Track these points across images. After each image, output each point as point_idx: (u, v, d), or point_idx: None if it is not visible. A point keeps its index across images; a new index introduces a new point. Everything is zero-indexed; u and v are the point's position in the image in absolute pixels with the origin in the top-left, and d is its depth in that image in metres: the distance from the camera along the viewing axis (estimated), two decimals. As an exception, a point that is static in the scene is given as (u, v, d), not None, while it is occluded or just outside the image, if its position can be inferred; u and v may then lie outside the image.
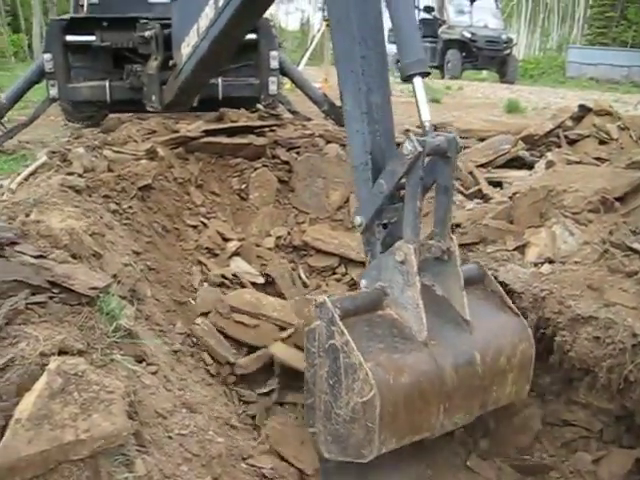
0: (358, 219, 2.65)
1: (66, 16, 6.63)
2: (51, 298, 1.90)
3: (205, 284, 3.28)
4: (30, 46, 31.51)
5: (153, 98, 5.38)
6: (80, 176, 3.22)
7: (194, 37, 4.56)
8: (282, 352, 2.96)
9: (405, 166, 2.34)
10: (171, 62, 5.15)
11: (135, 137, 4.15)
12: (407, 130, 5.48)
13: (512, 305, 2.71)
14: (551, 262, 3.10)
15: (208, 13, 4.26)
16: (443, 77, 22.26)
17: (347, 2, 2.61)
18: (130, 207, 3.21)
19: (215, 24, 4.18)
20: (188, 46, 4.70)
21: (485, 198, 3.95)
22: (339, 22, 2.68)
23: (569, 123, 5.24)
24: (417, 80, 2.45)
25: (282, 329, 3.06)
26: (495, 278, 3.10)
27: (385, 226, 2.63)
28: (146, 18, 5.57)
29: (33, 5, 32.74)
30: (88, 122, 7.69)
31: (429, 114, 2.42)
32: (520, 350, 2.63)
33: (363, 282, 2.64)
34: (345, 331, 2.33)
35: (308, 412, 2.59)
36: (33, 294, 1.87)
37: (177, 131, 4.29)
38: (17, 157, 5.99)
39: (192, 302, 3.09)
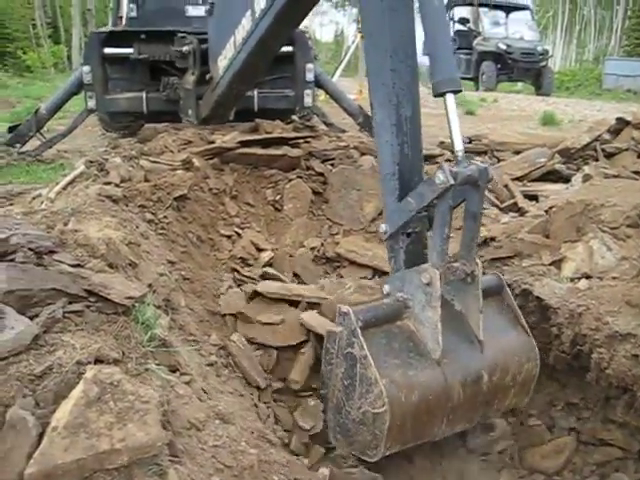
0: (383, 227, 2.75)
1: (105, 29, 6.76)
2: (88, 307, 1.93)
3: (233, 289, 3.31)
4: (69, 57, 32.17)
5: (190, 112, 5.45)
6: (117, 186, 3.26)
7: (231, 50, 4.62)
8: (312, 319, 3.06)
9: (435, 193, 2.42)
10: (208, 76, 5.21)
11: (171, 147, 4.19)
12: (442, 142, 5.47)
13: (524, 323, 2.80)
14: (588, 277, 3.06)
15: (245, 25, 4.31)
16: (478, 89, 22.13)
17: (381, 15, 2.65)
18: (165, 217, 3.24)
19: (252, 35, 4.23)
20: (225, 59, 4.76)
21: (521, 212, 3.91)
22: (372, 35, 2.73)
23: (606, 136, 5.18)
24: (449, 97, 2.49)
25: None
26: (530, 293, 3.08)
27: (409, 235, 2.71)
28: (184, 32, 5.64)
29: (73, 17, 33.46)
30: (125, 132, 7.82)
31: (461, 142, 2.50)
32: (525, 369, 2.74)
33: (386, 288, 2.74)
34: (365, 345, 2.46)
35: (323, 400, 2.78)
36: (70, 302, 1.90)
37: (213, 142, 4.33)
38: (55, 166, 6.10)
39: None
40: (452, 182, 2.34)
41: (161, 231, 3.16)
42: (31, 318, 1.76)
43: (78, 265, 2.09)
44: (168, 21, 6.18)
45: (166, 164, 3.73)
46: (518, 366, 2.72)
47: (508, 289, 2.86)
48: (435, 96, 2.51)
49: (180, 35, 5.63)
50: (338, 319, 2.62)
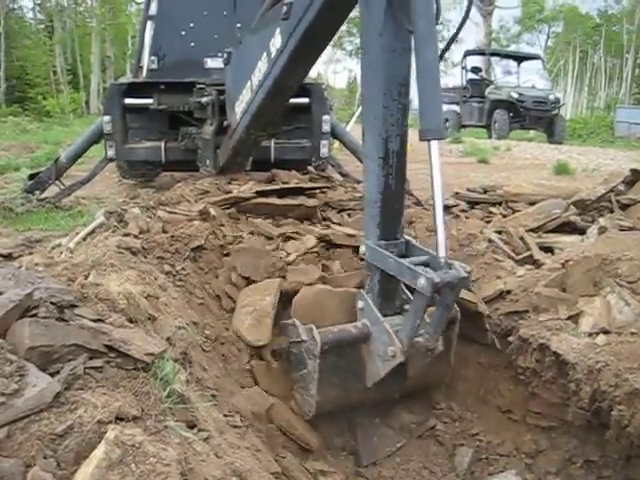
0: (362, 249, 3.17)
1: (125, 80, 6.90)
2: (108, 362, 1.93)
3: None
4: (87, 102, 32.81)
5: (207, 162, 5.53)
6: (136, 237, 3.29)
7: (248, 94, 4.72)
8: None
9: (412, 285, 2.71)
10: (225, 123, 5.29)
11: (188, 197, 4.24)
12: (457, 193, 5.49)
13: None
14: (606, 333, 3.03)
15: (261, 67, 4.43)
16: (490, 137, 22.29)
17: (379, 53, 2.82)
18: (183, 268, 3.26)
19: (268, 76, 4.35)
20: (242, 103, 4.85)
21: (536, 264, 3.90)
22: (370, 67, 2.91)
23: (621, 187, 5.18)
24: (434, 144, 2.64)
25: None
26: (548, 347, 3.06)
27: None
28: (202, 83, 5.76)
29: (92, 64, 34.24)
30: (142, 179, 7.93)
31: (444, 249, 2.69)
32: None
33: (360, 304, 3.09)
34: (317, 367, 2.95)
35: None
36: (91, 358, 1.90)
37: (229, 192, 4.38)
38: (74, 213, 6.18)
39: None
40: (429, 295, 2.61)
41: (179, 282, 3.17)
42: (52, 374, 1.77)
43: (99, 320, 2.10)
44: (187, 72, 6.32)
45: (183, 214, 3.77)
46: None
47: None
48: (420, 140, 2.66)
49: (199, 86, 5.75)
50: (304, 331, 3.02)
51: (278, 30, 4.08)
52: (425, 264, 2.81)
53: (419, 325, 2.77)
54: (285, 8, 3.90)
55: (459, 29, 3.07)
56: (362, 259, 3.53)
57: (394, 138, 2.90)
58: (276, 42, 4.14)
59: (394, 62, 2.81)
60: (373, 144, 2.93)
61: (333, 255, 3.85)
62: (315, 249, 3.81)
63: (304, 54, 4.09)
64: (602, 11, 51.23)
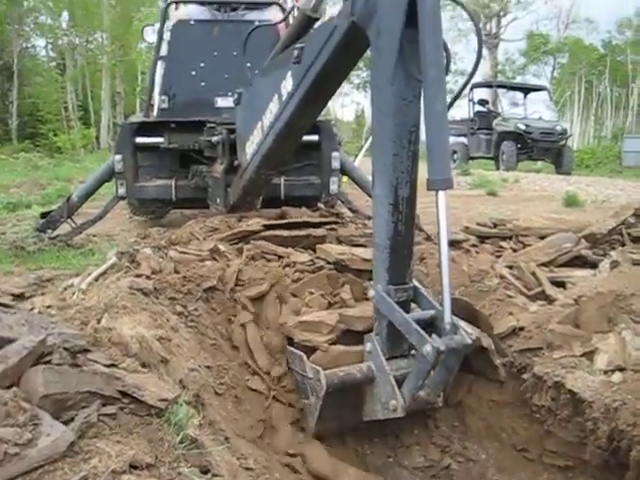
0: (372, 292, 3.08)
1: (136, 119, 6.97)
2: (121, 409, 1.93)
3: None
4: (98, 138, 33.20)
5: (218, 201, 5.56)
6: (148, 278, 3.30)
7: (258, 135, 4.75)
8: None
9: (417, 345, 2.74)
10: (236, 162, 5.33)
11: (198, 235, 4.26)
12: (467, 227, 5.49)
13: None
14: (622, 370, 3.00)
15: (272, 109, 4.45)
16: (498, 168, 22.34)
17: (389, 100, 2.83)
18: (195, 309, 3.26)
19: (279, 118, 4.37)
20: (252, 144, 4.88)
21: (549, 299, 3.88)
22: (380, 113, 2.92)
23: (632, 220, 5.16)
24: (441, 195, 2.66)
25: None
26: (563, 385, 3.03)
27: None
28: (212, 122, 5.81)
29: (103, 100, 34.71)
30: (152, 216, 7.98)
31: (450, 314, 2.68)
32: None
33: (367, 346, 3.10)
34: (319, 406, 3.04)
35: None
36: (104, 405, 1.90)
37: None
38: (85, 251, 6.21)
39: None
40: (432, 362, 2.64)
41: (191, 323, 3.17)
42: (66, 422, 1.76)
43: (112, 365, 2.10)
44: (198, 112, 6.38)
45: (194, 254, 3.78)
46: None
47: None
48: (428, 190, 2.68)
49: (209, 125, 5.80)
50: (310, 370, 3.11)
51: (289, 73, 4.11)
52: (431, 320, 2.88)
53: (422, 386, 2.78)
54: (296, 52, 3.93)
55: (470, 78, 3.09)
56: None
57: (404, 185, 2.90)
58: (287, 85, 4.16)
59: (404, 110, 2.81)
60: (383, 190, 2.93)
61: (345, 279, 3.81)
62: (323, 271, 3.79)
63: (315, 97, 4.11)
64: (606, 42, 51.74)
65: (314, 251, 4.23)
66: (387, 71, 2.80)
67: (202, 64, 6.64)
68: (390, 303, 2.91)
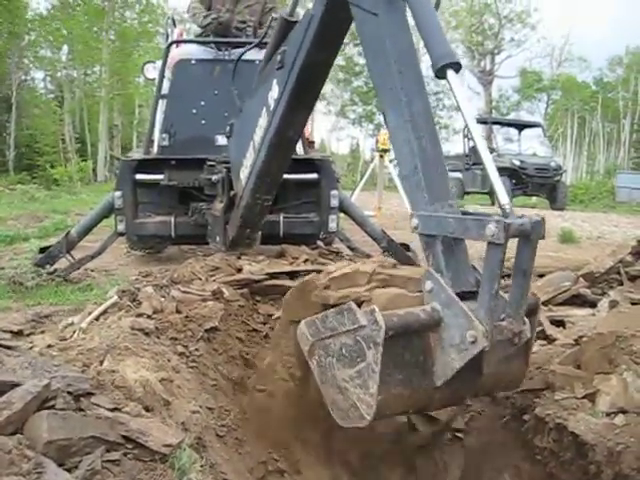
0: (415, 221, 2.67)
1: (136, 156, 7.01)
2: (125, 455, 1.91)
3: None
4: (95, 170, 33.31)
5: (217, 239, 5.57)
6: (149, 317, 3.29)
7: (251, 157, 4.74)
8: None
9: (481, 239, 2.35)
10: (232, 193, 5.35)
11: (199, 274, 4.25)
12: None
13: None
14: (624, 412, 2.99)
15: (261, 124, 4.47)
16: (493, 204, 22.44)
17: (379, 27, 2.90)
18: (197, 349, 3.25)
19: (269, 130, 4.37)
20: (246, 168, 4.87)
21: (549, 339, 3.88)
22: (372, 41, 2.97)
23: (629, 258, 5.19)
24: (450, 73, 2.55)
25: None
26: (565, 428, 3.02)
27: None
28: (212, 160, 5.85)
29: (100, 133, 34.93)
30: (150, 251, 7.98)
31: (506, 195, 2.41)
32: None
33: (427, 285, 2.56)
34: (379, 358, 2.37)
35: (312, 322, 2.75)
36: (108, 451, 1.89)
37: (240, 268, 4.39)
38: (83, 286, 6.18)
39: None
40: (503, 241, 2.25)
41: (192, 364, 3.15)
42: (70, 470, 1.75)
43: (116, 409, 2.09)
44: (198, 149, 6.43)
45: (196, 294, 3.78)
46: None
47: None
48: (436, 76, 2.60)
49: (209, 164, 5.84)
50: (363, 315, 2.46)
51: (275, 81, 4.15)
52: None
53: (497, 292, 2.36)
54: (279, 57, 4.01)
55: None
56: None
57: (416, 101, 2.79)
58: (274, 94, 4.19)
59: (396, 31, 2.87)
60: (396, 113, 2.81)
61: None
62: None
63: (301, 98, 4.12)
64: (598, 79, 52.56)
65: None
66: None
67: (203, 103, 6.71)
68: (437, 215, 2.58)
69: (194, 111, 6.70)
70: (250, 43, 5.76)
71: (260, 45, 5.13)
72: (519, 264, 2.41)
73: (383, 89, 2.91)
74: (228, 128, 5.27)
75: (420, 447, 3.53)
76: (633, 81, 45.80)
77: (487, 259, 2.35)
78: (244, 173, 4.92)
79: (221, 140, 6.45)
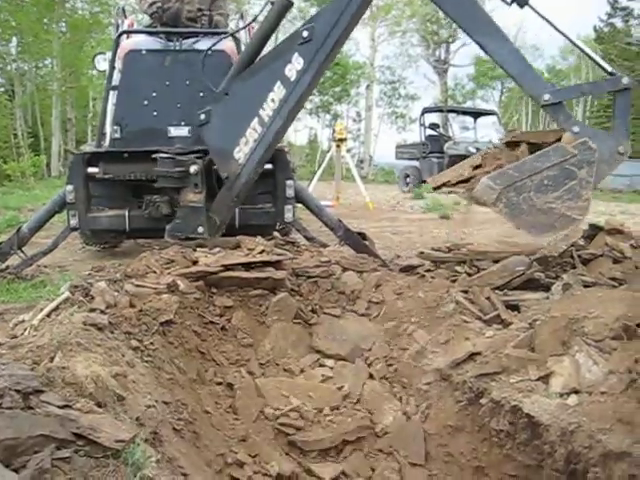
0: (547, 96, 4.37)
1: (88, 149, 6.90)
2: (76, 452, 1.87)
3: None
4: (48, 165, 32.62)
5: (200, 229, 5.52)
6: (102, 312, 3.24)
7: (256, 132, 5.22)
8: None
9: (615, 88, 4.34)
10: (224, 175, 5.39)
11: (154, 268, 4.20)
12: (421, 252, 5.54)
13: None
14: (577, 392, 3.04)
15: (274, 97, 5.11)
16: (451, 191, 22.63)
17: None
18: (152, 343, 3.21)
19: (290, 97, 5.10)
20: (247, 145, 5.25)
21: (504, 323, 3.93)
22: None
23: (581, 242, 5.27)
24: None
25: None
26: (520, 409, 3.06)
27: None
28: (166, 152, 5.78)
29: (53, 127, 34.19)
30: (105, 246, 7.87)
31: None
32: None
33: (575, 128, 4.31)
34: (593, 172, 4.05)
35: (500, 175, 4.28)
36: (58, 448, 1.85)
37: (196, 261, 4.34)
38: (36, 283, 6.08)
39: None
40: (631, 87, 4.09)
41: (147, 358, 3.11)
42: (17, 470, 1.70)
43: (66, 406, 2.05)
44: (150, 142, 6.34)
45: (151, 287, 3.73)
46: None
47: None
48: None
49: (162, 156, 5.74)
50: (576, 146, 4.07)
51: (296, 55, 4.94)
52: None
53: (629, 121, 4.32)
54: (306, 32, 4.88)
55: None
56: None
57: (495, 25, 4.63)
58: (297, 65, 4.97)
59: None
60: (495, 41, 4.52)
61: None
62: None
63: (326, 66, 5.17)
64: (551, 67, 53.31)
65: (274, 293, 4.24)
66: None
67: (154, 94, 6.62)
68: (568, 87, 4.14)
69: (145, 102, 6.61)
70: (199, 33, 5.82)
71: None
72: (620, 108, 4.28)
73: (479, 28, 4.57)
74: (203, 116, 5.32)
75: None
76: (584, 69, 46.52)
77: (620, 104, 4.21)
78: (243, 152, 5.28)
79: (174, 131, 6.40)
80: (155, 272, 4.12)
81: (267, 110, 5.13)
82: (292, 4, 5.24)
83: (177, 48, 6.65)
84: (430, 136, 25.46)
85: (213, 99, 5.39)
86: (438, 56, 45.24)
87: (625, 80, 4.10)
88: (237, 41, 6.73)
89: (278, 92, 5.06)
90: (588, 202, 4.06)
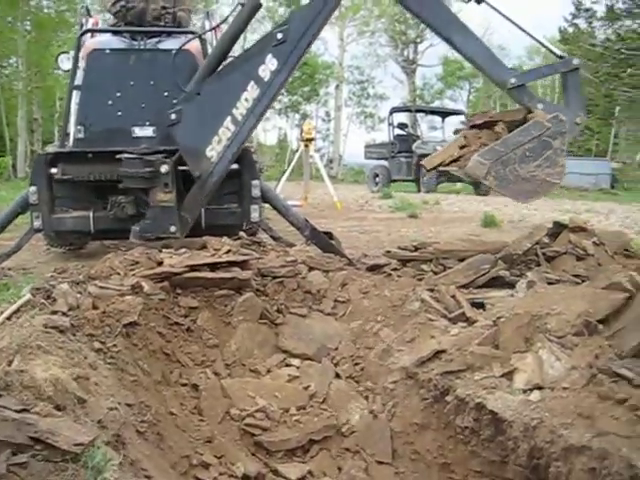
0: (513, 80, 4.88)
1: (51, 150, 6.80)
2: (34, 456, 1.85)
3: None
4: (14, 166, 32.10)
5: (172, 229, 5.49)
6: (64, 314, 3.19)
7: (228, 131, 5.33)
8: None
9: (568, 69, 4.99)
10: (197, 174, 5.39)
11: (118, 269, 4.15)
12: (388, 251, 5.56)
13: None
14: (540, 388, 3.08)
15: (248, 97, 5.25)
16: (419, 191, 22.80)
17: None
18: (115, 345, 3.17)
19: (263, 98, 5.28)
20: (220, 144, 5.35)
21: (469, 321, 3.95)
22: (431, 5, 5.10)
23: (545, 240, 5.34)
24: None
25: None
26: (484, 406, 3.09)
27: None
28: (131, 152, 5.72)
29: (19, 127, 33.66)
30: (70, 247, 7.76)
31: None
32: None
33: (539, 105, 4.87)
34: (566, 140, 4.61)
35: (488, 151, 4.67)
36: (15, 454, 1.82)
37: (161, 262, 4.30)
38: (-1, 286, 5.96)
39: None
40: (580, 66, 4.82)
41: (110, 360, 3.07)
42: (-28, 476, 1.68)
43: (23, 410, 2.01)
44: (115, 142, 6.27)
45: (114, 289, 3.68)
46: None
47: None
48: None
49: (127, 157, 5.68)
50: (549, 120, 4.56)
51: (269, 56, 5.12)
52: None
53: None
54: (281, 35, 5.07)
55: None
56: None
57: (459, 21, 5.10)
58: (270, 66, 5.15)
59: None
60: (460, 33, 4.98)
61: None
62: None
63: (297, 66, 5.41)
64: (517, 66, 53.86)
65: (240, 294, 4.23)
66: None
67: (118, 93, 6.55)
68: (530, 70, 4.23)
69: (109, 102, 6.53)
70: (163, 32, 5.84)
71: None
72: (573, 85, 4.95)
73: (444, 23, 5.01)
74: (174, 115, 5.33)
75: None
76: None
77: (572, 82, 4.87)
78: (216, 150, 5.38)
79: (139, 131, 6.34)
80: (119, 274, 4.07)
81: (241, 109, 5.27)
82: (261, 5, 5.37)
83: (142, 47, 6.59)
84: (398, 136, 25.60)
85: (184, 99, 5.40)
86: (406, 56, 45.53)
87: (575, 61, 4.79)
88: (203, 41, 6.68)
89: (252, 92, 5.22)
90: (563, 167, 4.56)
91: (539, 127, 4.56)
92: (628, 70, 28.20)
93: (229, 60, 5.58)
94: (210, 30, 6.88)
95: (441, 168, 5.35)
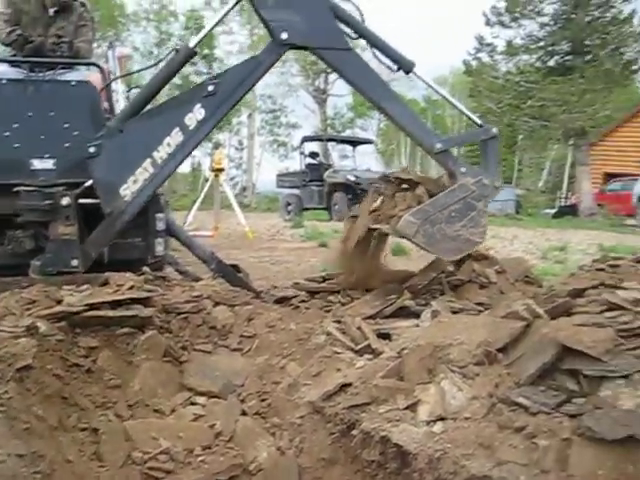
0: (439, 145, 5.14)
1: None
2: None
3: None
4: None
5: (75, 262, 5.30)
6: (-50, 361, 3.02)
7: (147, 171, 5.20)
8: None
9: (487, 137, 5.29)
10: (108, 210, 5.24)
11: (14, 309, 3.97)
12: (296, 283, 5.57)
13: None
14: (443, 419, 3.12)
15: (170, 142, 5.13)
16: (331, 219, 23.03)
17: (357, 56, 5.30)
18: (6, 392, 3.00)
19: (187, 143, 5.18)
20: (136, 183, 5.23)
21: (375, 353, 3.98)
22: (356, 67, 5.31)
23: (450, 268, 5.47)
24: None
25: None
26: (389, 439, 3.10)
27: None
28: (29, 185, 5.52)
29: None
30: (-34, 284, 7.36)
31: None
32: None
33: (462, 169, 5.12)
34: (487, 203, 4.96)
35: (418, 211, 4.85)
36: None
37: (60, 300, 4.15)
38: None
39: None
40: (497, 136, 5.18)
41: (1, 408, 2.92)
42: None
43: None
44: (11, 175, 6.01)
45: (8, 331, 3.51)
46: None
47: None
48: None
49: (25, 189, 5.47)
50: (474, 184, 4.87)
51: (198, 105, 5.07)
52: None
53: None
54: (212, 87, 5.05)
55: None
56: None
57: (390, 90, 5.50)
58: (197, 115, 5.08)
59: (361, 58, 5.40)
60: (392, 103, 5.27)
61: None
62: None
63: (227, 113, 5.48)
64: (426, 96, 55.66)
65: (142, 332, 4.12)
66: None
67: (16, 125, 6.31)
68: (452, 138, 5.19)
69: (6, 134, 6.28)
70: (60, 63, 5.75)
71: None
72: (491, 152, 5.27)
73: (379, 94, 5.20)
74: (93, 149, 5.19)
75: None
76: (457, 100, 48.88)
77: (490, 149, 5.18)
78: (130, 189, 5.25)
79: (37, 164, 6.12)
80: (14, 314, 3.89)
81: (162, 153, 5.17)
82: (196, 53, 5.31)
83: (40, 78, 6.40)
84: (310, 164, 25.87)
85: (106, 134, 5.25)
86: (317, 86, 46.25)
87: (494, 130, 5.18)
88: (103, 73, 6.56)
89: (175, 137, 5.15)
90: (485, 227, 4.85)
91: (464, 190, 4.84)
92: (528, 102, 29.52)
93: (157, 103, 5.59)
94: (140, 70, 6.80)
95: (371, 226, 5.31)
